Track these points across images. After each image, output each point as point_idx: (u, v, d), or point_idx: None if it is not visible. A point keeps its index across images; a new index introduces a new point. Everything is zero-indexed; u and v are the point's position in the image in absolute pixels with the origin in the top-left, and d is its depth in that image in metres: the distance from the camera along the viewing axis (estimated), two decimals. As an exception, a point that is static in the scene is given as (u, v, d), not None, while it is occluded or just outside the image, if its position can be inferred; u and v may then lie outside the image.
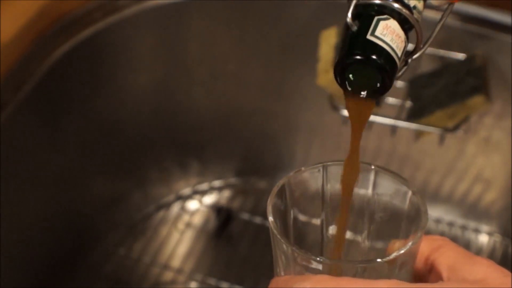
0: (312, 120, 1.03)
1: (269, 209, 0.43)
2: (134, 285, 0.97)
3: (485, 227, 1.02)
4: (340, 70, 0.41)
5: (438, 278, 0.40)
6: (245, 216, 1.04)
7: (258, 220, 1.03)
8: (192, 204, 1.06)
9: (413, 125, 0.87)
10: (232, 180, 1.09)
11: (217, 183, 1.08)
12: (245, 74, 1.02)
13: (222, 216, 1.04)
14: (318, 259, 0.40)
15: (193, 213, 1.05)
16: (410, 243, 0.40)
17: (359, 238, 0.46)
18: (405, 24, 0.41)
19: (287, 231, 0.45)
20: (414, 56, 0.43)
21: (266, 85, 1.02)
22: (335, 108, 0.89)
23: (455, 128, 0.87)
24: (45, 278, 0.92)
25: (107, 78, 0.96)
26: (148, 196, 1.06)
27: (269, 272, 0.44)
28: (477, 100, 0.84)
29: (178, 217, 1.05)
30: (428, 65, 0.90)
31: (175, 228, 1.04)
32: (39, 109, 0.88)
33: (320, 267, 0.41)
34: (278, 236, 0.41)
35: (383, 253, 0.45)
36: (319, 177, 0.45)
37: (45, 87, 0.87)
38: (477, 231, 1.02)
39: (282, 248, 0.42)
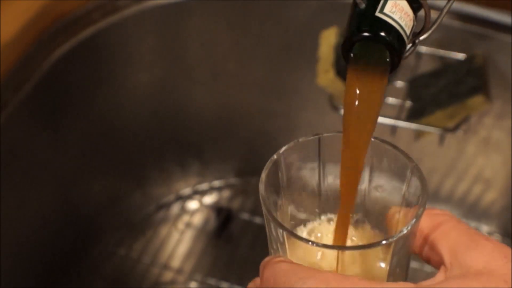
0: (312, 120, 1.03)
1: (262, 183, 0.41)
2: (134, 285, 0.97)
3: (485, 227, 1.02)
4: (348, 47, 0.40)
5: (439, 259, 0.39)
6: (245, 216, 1.04)
7: (258, 220, 1.03)
8: (192, 204, 1.06)
9: (413, 125, 0.87)
10: (232, 180, 1.09)
11: (217, 183, 1.08)
12: (245, 74, 1.02)
13: (222, 216, 1.04)
14: (310, 243, 0.39)
15: (193, 213, 1.05)
16: (412, 222, 0.39)
17: (355, 216, 0.44)
18: (414, 3, 0.40)
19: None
20: (422, 37, 0.42)
21: (266, 85, 1.02)
22: (335, 108, 0.89)
23: (455, 128, 0.86)
24: (45, 278, 0.92)
25: (107, 78, 0.96)
26: (148, 196, 1.05)
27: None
28: (477, 100, 0.84)
29: (178, 217, 1.05)
30: (428, 65, 0.90)
31: (175, 228, 1.04)
32: (39, 109, 0.88)
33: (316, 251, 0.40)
34: (269, 217, 0.40)
35: (382, 230, 0.44)
36: (314, 148, 0.43)
37: (45, 87, 0.87)
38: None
39: (275, 228, 0.40)
